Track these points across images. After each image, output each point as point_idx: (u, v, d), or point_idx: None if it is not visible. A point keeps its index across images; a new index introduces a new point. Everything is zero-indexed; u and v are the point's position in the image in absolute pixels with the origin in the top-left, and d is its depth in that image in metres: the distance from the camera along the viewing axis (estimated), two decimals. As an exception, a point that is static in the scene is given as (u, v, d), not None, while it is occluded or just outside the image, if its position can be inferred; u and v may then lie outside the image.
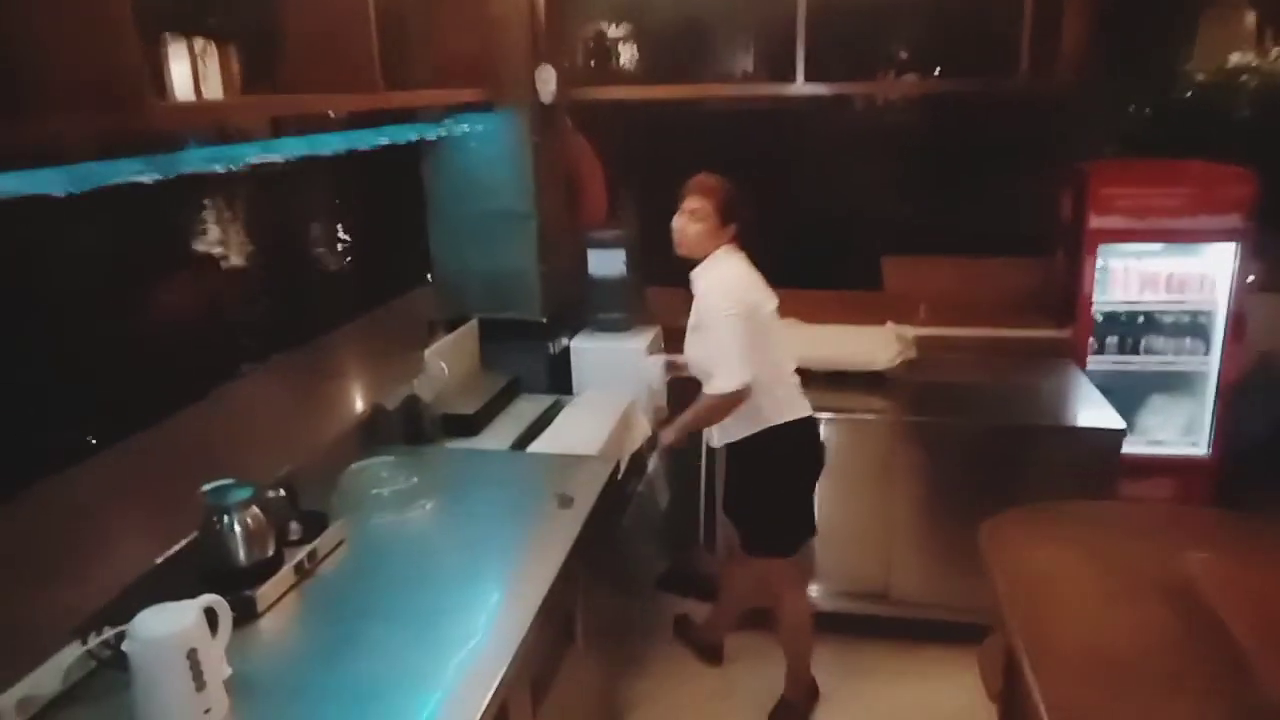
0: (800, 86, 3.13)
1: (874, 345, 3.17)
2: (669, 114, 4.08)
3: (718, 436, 2.68)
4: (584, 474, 2.47)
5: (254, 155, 1.85)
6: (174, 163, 1.69)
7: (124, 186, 1.64)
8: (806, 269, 3.94)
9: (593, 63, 4.36)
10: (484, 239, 3.21)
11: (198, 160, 1.74)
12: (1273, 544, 1.97)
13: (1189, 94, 5.50)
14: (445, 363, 2.99)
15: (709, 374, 2.47)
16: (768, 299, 2.57)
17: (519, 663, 1.70)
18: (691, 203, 2.51)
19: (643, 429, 3.25)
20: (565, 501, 2.29)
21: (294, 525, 1.98)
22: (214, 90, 1.93)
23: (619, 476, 2.76)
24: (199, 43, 1.96)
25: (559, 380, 3.36)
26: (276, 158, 1.94)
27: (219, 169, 1.76)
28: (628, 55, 4.41)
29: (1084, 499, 2.54)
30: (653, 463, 3.27)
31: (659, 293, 3.76)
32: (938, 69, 4.11)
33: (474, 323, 3.26)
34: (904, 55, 4.31)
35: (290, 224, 3.03)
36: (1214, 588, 1.68)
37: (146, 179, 1.68)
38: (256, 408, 2.36)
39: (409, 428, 2.75)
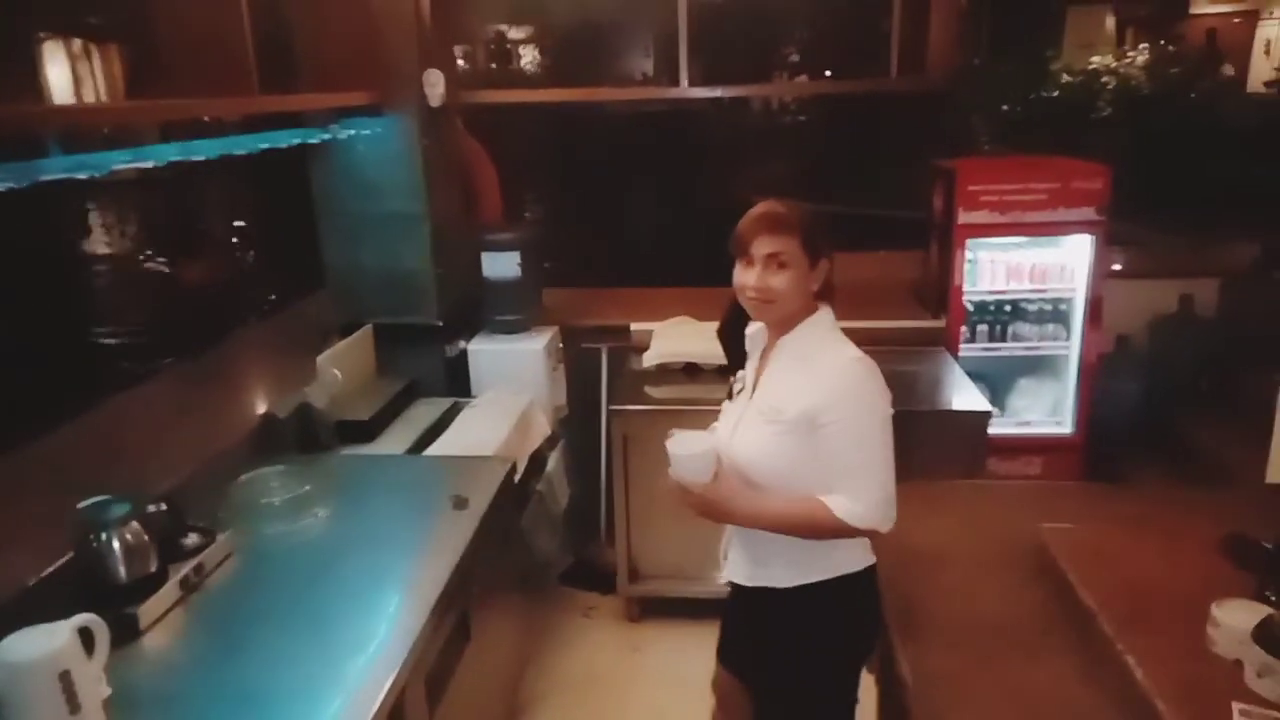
0: (685, 90, 3.22)
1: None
2: (570, 116, 4.12)
3: (752, 572, 1.84)
4: (480, 474, 2.49)
5: (121, 162, 1.80)
6: (34, 170, 1.64)
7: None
8: (701, 266, 4.04)
9: (494, 64, 4.37)
10: (377, 243, 3.19)
11: (60, 167, 1.69)
12: (1122, 512, 2.15)
13: (1055, 94, 5.84)
14: (339, 369, 2.96)
15: (814, 488, 1.69)
16: None
17: (412, 663, 1.72)
18: (765, 245, 1.70)
19: (542, 428, 3.29)
20: (460, 502, 2.31)
21: (180, 539, 1.95)
22: (92, 94, 1.89)
23: (517, 476, 2.79)
24: (77, 44, 1.91)
25: (457, 383, 3.37)
26: (148, 164, 1.90)
27: (83, 176, 1.71)
28: (529, 57, 4.43)
29: (957, 477, 2.70)
30: (552, 461, 3.31)
31: (555, 293, 3.80)
32: (827, 71, 4.27)
33: (369, 328, 3.23)
34: (795, 58, 4.47)
35: (178, 230, 2.94)
36: (1066, 555, 1.83)
37: (6, 186, 1.63)
38: (142, 420, 2.30)
39: (302, 436, 2.72)
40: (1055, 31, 7.24)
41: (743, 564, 1.86)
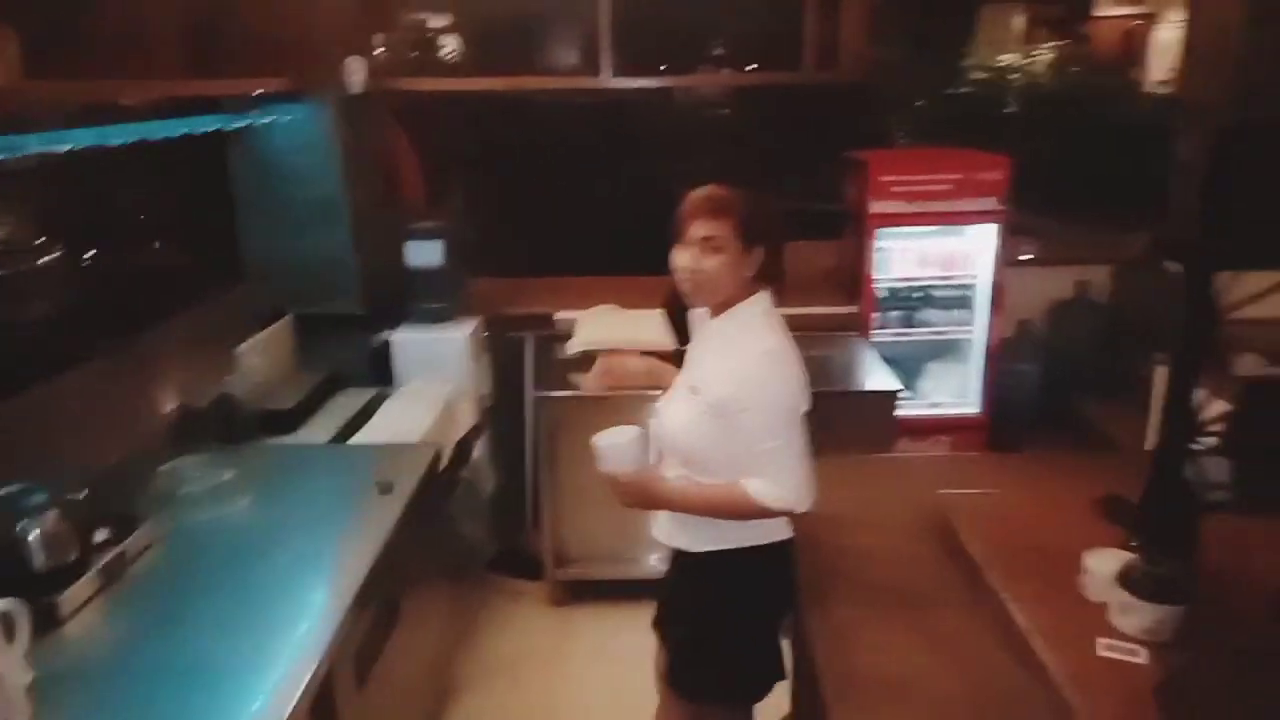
0: (607, 80, 3.28)
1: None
2: (494, 105, 4.14)
3: (675, 534, 1.96)
4: (405, 461, 2.52)
5: (39, 145, 1.79)
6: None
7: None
8: (626, 255, 4.11)
9: (415, 53, 4.35)
10: (297, 231, 3.18)
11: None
12: (1013, 478, 2.31)
13: (964, 90, 6.09)
14: (260, 359, 2.95)
15: (730, 467, 1.79)
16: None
17: (339, 642, 1.75)
18: (700, 228, 1.76)
19: (467, 417, 3.32)
20: (385, 488, 2.33)
21: (100, 528, 1.94)
22: None
23: (442, 463, 2.82)
24: None
25: (380, 373, 3.37)
26: (65, 147, 1.88)
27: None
28: (452, 46, 4.43)
29: (870, 453, 2.84)
30: (478, 449, 3.35)
31: (480, 283, 3.83)
32: (750, 65, 4.38)
33: (289, 318, 3.22)
34: (719, 51, 4.57)
35: (91, 219, 2.88)
36: (958, 516, 1.96)
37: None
38: (59, 413, 2.26)
39: (223, 427, 2.70)
40: (969, 29, 7.53)
41: (666, 524, 1.98)
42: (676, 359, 2.08)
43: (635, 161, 4.24)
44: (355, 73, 3.09)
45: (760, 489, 1.75)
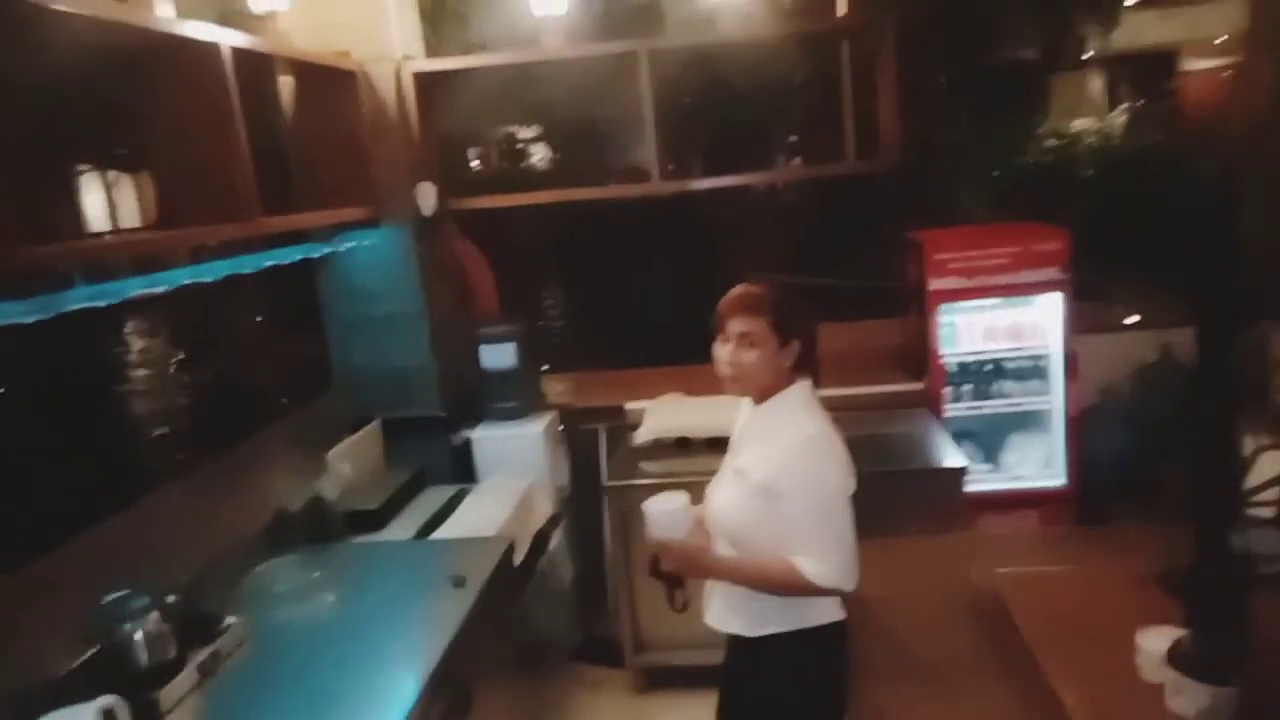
0: (655, 185, 3.46)
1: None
2: (557, 210, 4.38)
3: (729, 619, 1.98)
4: (479, 554, 2.64)
5: (135, 290, 2.04)
6: (58, 302, 1.88)
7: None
8: (686, 345, 4.23)
9: (507, 162, 4.66)
10: (380, 342, 3.43)
11: (80, 298, 1.93)
12: (1079, 554, 2.25)
13: (1036, 159, 6.07)
14: (349, 462, 3.16)
15: (775, 548, 1.84)
16: None
17: (411, 732, 1.85)
18: (737, 324, 1.87)
19: (544, 509, 3.44)
20: (459, 581, 2.45)
21: (197, 628, 2.11)
22: (130, 220, 2.12)
23: (518, 554, 2.93)
24: (112, 174, 2.14)
25: (462, 470, 3.54)
26: (161, 288, 2.14)
27: (101, 304, 1.95)
28: (540, 154, 4.73)
29: (938, 532, 2.81)
30: (555, 539, 3.45)
31: (554, 379, 3.99)
32: (797, 159, 4.54)
33: (377, 423, 3.44)
34: (774, 148, 4.75)
35: (199, 344, 3.20)
36: (1012, 596, 1.94)
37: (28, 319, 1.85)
38: (165, 519, 2.48)
39: (314, 528, 2.89)
40: (1039, 99, 7.50)
41: (719, 610, 2.01)
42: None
43: (696, 254, 4.40)
44: (426, 197, 3.36)
45: (808, 566, 1.80)
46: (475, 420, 3.65)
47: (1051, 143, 6.24)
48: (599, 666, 3.57)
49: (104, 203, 2.13)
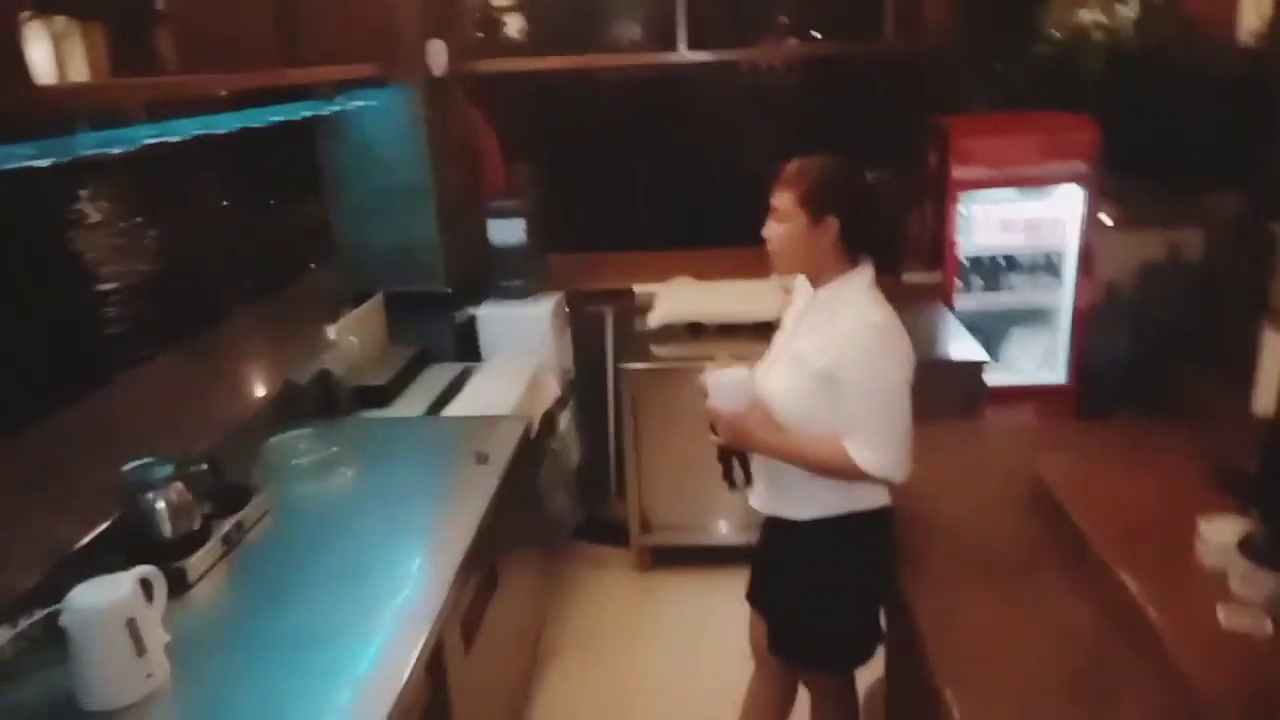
0: (683, 54, 3.26)
1: (761, 297, 3.37)
2: (561, 82, 4.16)
3: (777, 504, 1.96)
4: (498, 433, 2.59)
5: (146, 137, 1.87)
6: (63, 147, 1.71)
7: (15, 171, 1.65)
8: (698, 228, 4.11)
9: (480, 34, 4.39)
10: (385, 213, 3.26)
11: (87, 144, 1.75)
12: (1111, 446, 2.26)
13: (1045, 51, 5.87)
14: (354, 336, 3.04)
15: (833, 429, 1.79)
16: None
17: (449, 608, 1.82)
18: (775, 199, 1.83)
19: (552, 390, 3.38)
20: (482, 458, 2.40)
21: (219, 499, 2.04)
22: (79, 73, 1.92)
23: (532, 434, 2.89)
24: (59, 22, 1.93)
25: (467, 348, 3.46)
26: (171, 138, 1.96)
27: (112, 151, 1.78)
28: (515, 26, 4.45)
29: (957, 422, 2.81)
30: (564, 421, 3.41)
31: (558, 259, 3.88)
32: (816, 33, 4.31)
33: (380, 296, 3.31)
34: (784, 20, 4.50)
35: (189, 205, 3.01)
36: (1061, 486, 1.94)
37: (40, 163, 1.69)
38: (170, 389, 2.39)
39: (322, 402, 2.80)
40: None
41: (765, 493, 1.98)
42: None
43: (702, 135, 4.22)
44: (437, 55, 3.14)
45: (860, 452, 1.75)
46: (480, 299, 3.54)
47: (1055, 35, 6.04)
48: (602, 545, 3.60)
49: (50, 54, 1.93)
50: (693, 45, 3.69)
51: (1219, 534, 1.58)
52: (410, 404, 2.98)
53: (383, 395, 2.94)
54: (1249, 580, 1.50)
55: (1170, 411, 3.55)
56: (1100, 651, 1.56)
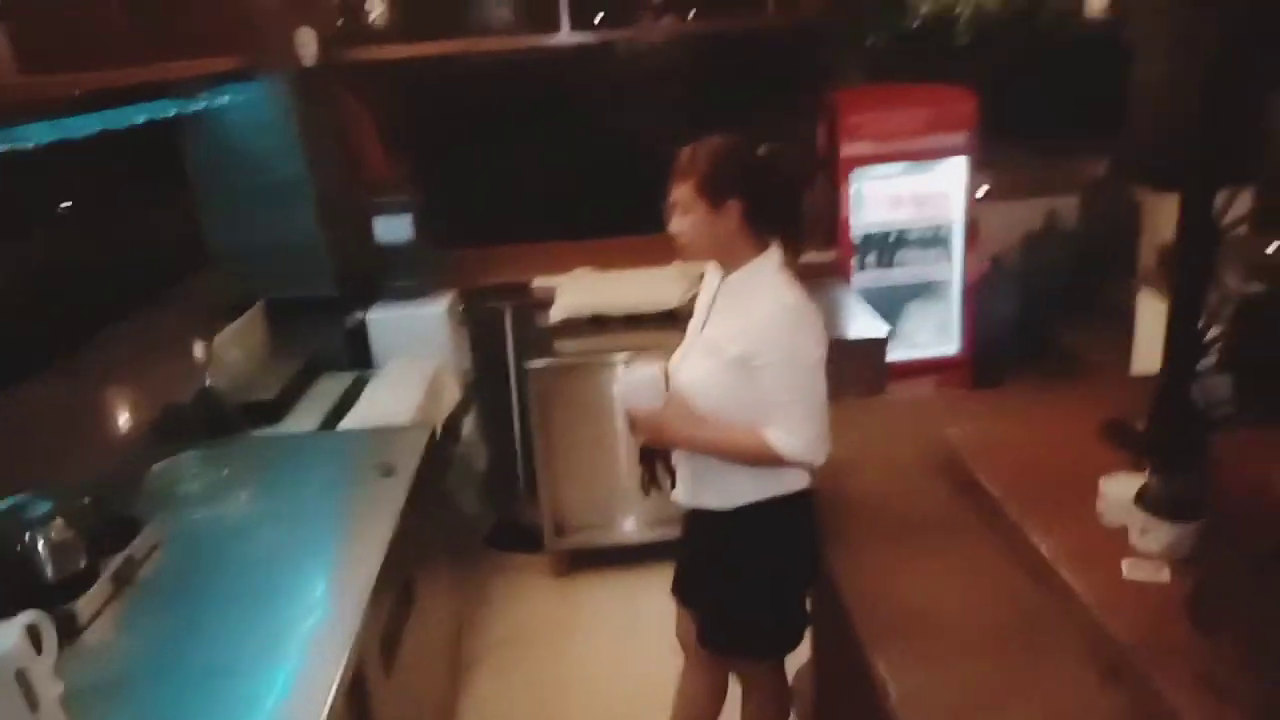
0: (565, 35, 3.18)
1: (664, 285, 3.35)
2: (439, 69, 4.00)
3: (701, 494, 1.93)
4: (401, 443, 2.48)
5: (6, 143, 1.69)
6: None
7: None
8: (597, 217, 4.03)
9: (340, 20, 4.19)
10: (260, 215, 3.06)
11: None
12: (1010, 412, 2.34)
13: (915, 25, 6.04)
14: (236, 349, 2.87)
15: (746, 420, 1.78)
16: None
17: (367, 628, 1.73)
18: (673, 192, 1.78)
19: (453, 393, 3.28)
20: (387, 471, 2.30)
21: (105, 534, 1.88)
22: None
23: (436, 441, 2.79)
24: None
25: (359, 355, 3.30)
26: (24, 145, 1.78)
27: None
28: (378, 11, 4.26)
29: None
30: (467, 424, 3.31)
31: (448, 255, 3.74)
32: (692, 11, 4.28)
33: (260, 305, 3.14)
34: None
35: (39, 218, 2.76)
36: (969, 454, 1.99)
37: None
38: (37, 420, 2.18)
39: (208, 421, 2.63)
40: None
41: (686, 486, 1.95)
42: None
43: (593, 120, 4.15)
44: (306, 44, 2.97)
45: (778, 438, 1.75)
46: (370, 301, 3.39)
47: (926, 9, 6.24)
48: (516, 552, 3.50)
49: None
50: (578, 26, 3.61)
51: (1118, 490, 1.65)
52: (304, 418, 2.83)
53: (273, 411, 2.78)
54: (1147, 532, 1.57)
55: (1057, 374, 3.73)
56: (1022, 609, 1.61)
